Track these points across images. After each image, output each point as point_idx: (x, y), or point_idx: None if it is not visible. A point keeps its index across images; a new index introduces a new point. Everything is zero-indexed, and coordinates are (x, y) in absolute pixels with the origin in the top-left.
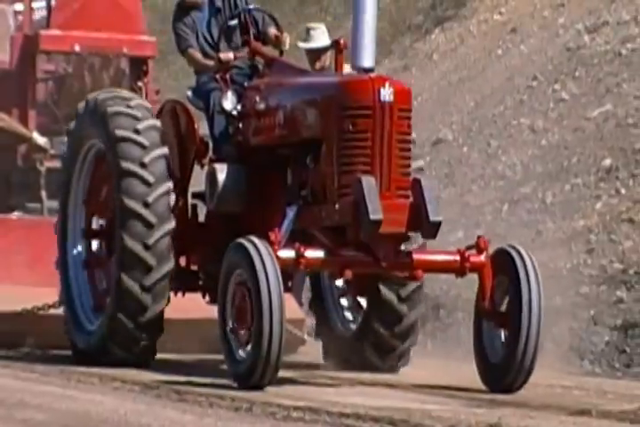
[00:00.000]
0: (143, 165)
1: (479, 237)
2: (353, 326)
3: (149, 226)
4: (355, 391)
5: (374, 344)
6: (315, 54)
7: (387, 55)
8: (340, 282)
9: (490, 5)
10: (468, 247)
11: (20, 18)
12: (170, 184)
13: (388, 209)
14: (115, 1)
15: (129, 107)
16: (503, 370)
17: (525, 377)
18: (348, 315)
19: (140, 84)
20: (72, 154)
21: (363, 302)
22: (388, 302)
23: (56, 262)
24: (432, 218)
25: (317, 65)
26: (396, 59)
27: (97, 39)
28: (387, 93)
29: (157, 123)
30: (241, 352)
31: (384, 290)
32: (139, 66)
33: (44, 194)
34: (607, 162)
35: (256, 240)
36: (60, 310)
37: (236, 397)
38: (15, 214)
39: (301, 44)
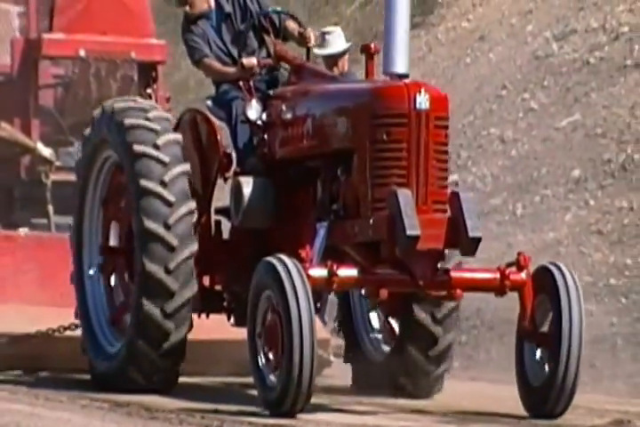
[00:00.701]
0: (164, 184)
1: (519, 254)
2: (385, 349)
3: (171, 249)
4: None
5: (407, 368)
6: (332, 60)
7: (352, 63)
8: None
9: (458, 13)
10: (508, 264)
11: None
12: (192, 204)
13: (425, 224)
14: (121, 2)
15: (147, 119)
16: (544, 394)
17: (567, 402)
18: (380, 337)
19: (149, 91)
20: (87, 163)
21: (394, 323)
22: (423, 324)
23: (71, 277)
24: (472, 234)
25: (335, 71)
26: (362, 67)
27: (103, 43)
28: (423, 101)
29: (178, 137)
30: (272, 377)
31: (418, 311)
32: (148, 71)
33: (50, 209)
34: (576, 173)
35: (285, 259)
36: (77, 332)
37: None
38: (22, 230)
39: (318, 51)
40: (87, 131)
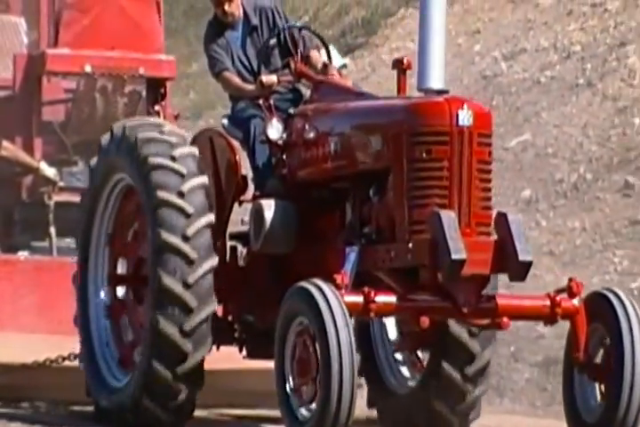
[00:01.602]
0: (181, 195)
1: (571, 280)
2: (410, 384)
3: (190, 262)
4: None
5: (442, 391)
6: None
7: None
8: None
9: (402, 33)
10: (558, 291)
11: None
12: (211, 216)
13: (470, 248)
14: (129, 16)
15: (162, 133)
16: None
17: None
18: (405, 371)
19: (157, 108)
20: (95, 191)
21: (420, 355)
22: (458, 339)
23: (74, 318)
24: (522, 258)
25: None
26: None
27: (110, 58)
28: (465, 117)
29: (194, 150)
30: (303, 411)
31: (452, 325)
32: (156, 88)
33: (52, 231)
34: (527, 193)
35: (321, 284)
36: (75, 363)
37: None
38: (22, 254)
39: None
40: (93, 159)
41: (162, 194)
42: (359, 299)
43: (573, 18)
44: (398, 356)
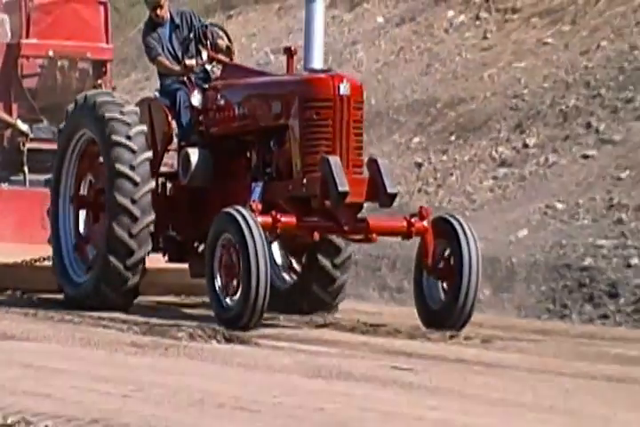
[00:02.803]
0: (129, 138)
1: (421, 208)
2: (286, 277)
3: (135, 184)
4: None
5: (317, 278)
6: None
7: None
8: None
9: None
10: (412, 215)
11: None
12: (150, 153)
13: (350, 183)
14: (80, 16)
15: (113, 96)
16: (445, 315)
17: (467, 319)
18: (285, 275)
19: (99, 81)
20: (68, 133)
21: (294, 262)
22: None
23: (47, 211)
24: (390, 190)
25: None
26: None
27: (66, 46)
28: (345, 88)
29: (137, 109)
30: (228, 300)
31: (321, 258)
32: (99, 67)
33: (26, 169)
34: None
35: (241, 209)
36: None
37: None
38: (4, 186)
39: None
40: (69, 108)
41: (115, 137)
42: (269, 219)
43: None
44: (280, 263)
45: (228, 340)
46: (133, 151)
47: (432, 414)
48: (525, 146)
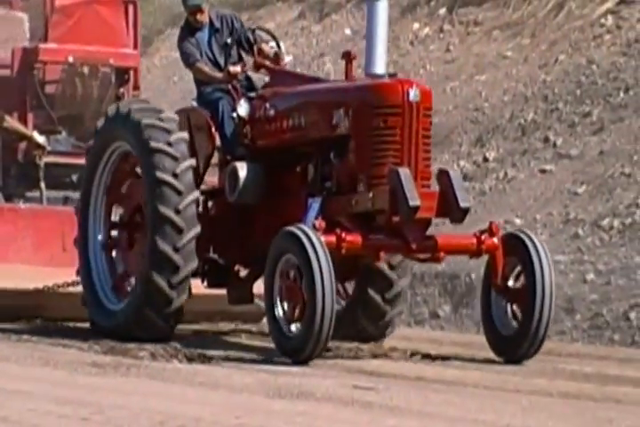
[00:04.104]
0: (169, 145)
1: (491, 223)
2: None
3: (179, 193)
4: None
5: (366, 311)
6: None
7: None
8: None
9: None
10: (481, 232)
11: None
12: (193, 160)
13: (421, 197)
14: (103, 19)
15: (160, 119)
16: (517, 341)
17: (538, 347)
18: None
19: (122, 90)
20: (98, 151)
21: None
22: (380, 270)
23: (75, 241)
24: (462, 204)
25: None
26: None
27: (87, 51)
28: (414, 94)
29: (186, 135)
30: (292, 328)
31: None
32: (122, 75)
33: (42, 185)
34: None
35: (304, 227)
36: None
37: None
38: (21, 204)
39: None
40: (99, 124)
41: (154, 144)
42: (334, 239)
43: None
44: None
45: (190, 359)
46: (175, 158)
47: None
48: (485, 160)
